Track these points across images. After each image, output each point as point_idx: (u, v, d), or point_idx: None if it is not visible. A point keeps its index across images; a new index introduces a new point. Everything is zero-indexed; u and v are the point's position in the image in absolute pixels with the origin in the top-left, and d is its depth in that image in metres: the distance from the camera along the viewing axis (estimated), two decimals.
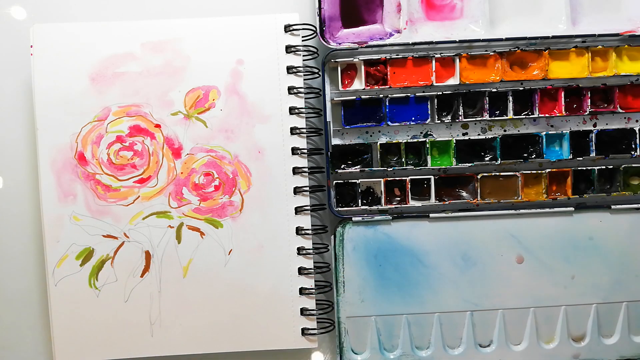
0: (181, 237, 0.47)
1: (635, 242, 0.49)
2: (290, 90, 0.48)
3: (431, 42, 0.48)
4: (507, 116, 0.49)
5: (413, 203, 0.49)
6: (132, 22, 0.48)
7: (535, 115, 0.49)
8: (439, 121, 0.49)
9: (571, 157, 0.49)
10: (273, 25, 0.48)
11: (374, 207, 0.49)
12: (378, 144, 0.49)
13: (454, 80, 0.49)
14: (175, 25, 0.48)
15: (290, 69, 0.48)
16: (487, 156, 0.49)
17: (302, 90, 0.48)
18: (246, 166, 0.48)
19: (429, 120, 0.49)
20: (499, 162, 0.49)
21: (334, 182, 0.49)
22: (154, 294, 0.47)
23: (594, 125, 0.50)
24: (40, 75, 0.47)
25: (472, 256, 0.49)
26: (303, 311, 0.48)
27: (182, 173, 0.48)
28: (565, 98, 0.49)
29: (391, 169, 0.49)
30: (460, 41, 0.48)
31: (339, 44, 0.48)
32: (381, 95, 0.49)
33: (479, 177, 0.49)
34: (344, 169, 0.49)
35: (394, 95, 0.49)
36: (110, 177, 0.47)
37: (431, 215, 0.49)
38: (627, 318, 0.49)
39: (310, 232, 0.48)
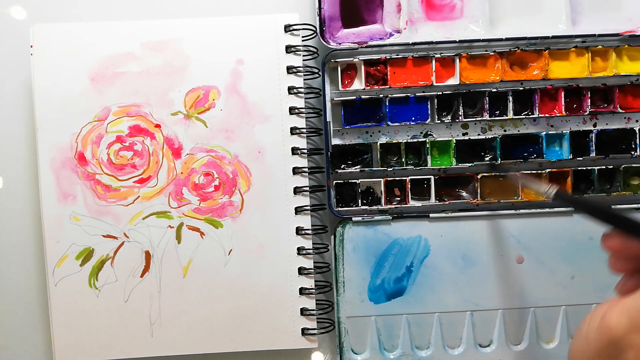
0: (181, 237, 0.47)
1: None
2: (290, 90, 0.48)
3: (431, 42, 0.48)
4: (507, 116, 0.49)
5: (413, 203, 0.49)
6: (132, 22, 0.48)
7: (535, 115, 0.49)
8: (439, 121, 0.49)
9: (571, 157, 0.49)
10: (273, 25, 0.48)
11: (374, 207, 0.49)
12: (378, 144, 0.48)
13: (454, 80, 0.49)
14: (175, 25, 0.48)
15: (290, 69, 0.48)
16: (487, 156, 0.49)
17: (302, 90, 0.48)
18: (246, 166, 0.48)
19: (429, 120, 0.49)
20: (499, 162, 0.49)
21: (334, 182, 0.49)
22: (154, 294, 0.47)
23: (594, 125, 0.50)
24: (40, 75, 0.47)
25: (472, 256, 0.49)
26: (303, 311, 0.48)
27: (182, 173, 0.48)
28: (565, 98, 0.49)
29: (391, 169, 0.49)
30: (460, 41, 0.48)
31: (339, 44, 0.48)
32: (381, 95, 0.49)
33: (479, 177, 0.49)
34: (344, 169, 0.49)
35: (394, 95, 0.49)
36: (110, 177, 0.47)
37: (431, 215, 0.49)
38: None
39: (310, 232, 0.48)
